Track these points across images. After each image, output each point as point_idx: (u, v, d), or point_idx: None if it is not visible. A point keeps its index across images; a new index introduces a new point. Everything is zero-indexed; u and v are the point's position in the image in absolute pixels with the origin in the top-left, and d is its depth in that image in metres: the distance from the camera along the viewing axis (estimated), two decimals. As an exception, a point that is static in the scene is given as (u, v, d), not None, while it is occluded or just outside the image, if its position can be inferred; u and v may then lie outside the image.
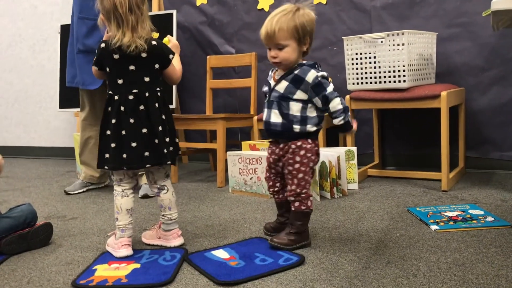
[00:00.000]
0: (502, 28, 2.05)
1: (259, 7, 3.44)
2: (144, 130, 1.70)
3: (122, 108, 1.68)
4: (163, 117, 1.74)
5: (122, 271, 1.58)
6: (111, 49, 1.67)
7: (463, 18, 2.84)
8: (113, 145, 1.69)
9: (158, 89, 1.76)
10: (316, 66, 1.68)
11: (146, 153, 1.71)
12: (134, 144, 1.69)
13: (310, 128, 1.67)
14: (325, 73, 1.66)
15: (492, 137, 2.86)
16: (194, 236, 1.92)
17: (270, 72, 1.80)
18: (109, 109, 1.71)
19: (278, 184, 1.80)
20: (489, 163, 2.90)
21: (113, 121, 1.69)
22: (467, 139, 2.89)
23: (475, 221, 1.89)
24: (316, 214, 2.13)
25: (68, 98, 3.93)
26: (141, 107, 1.70)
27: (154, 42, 1.72)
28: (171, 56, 1.77)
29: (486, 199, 2.24)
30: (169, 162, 1.75)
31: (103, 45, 1.70)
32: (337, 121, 1.67)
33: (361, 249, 1.67)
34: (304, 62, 1.69)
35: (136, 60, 1.69)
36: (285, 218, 1.85)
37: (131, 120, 1.68)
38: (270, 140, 1.83)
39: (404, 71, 2.48)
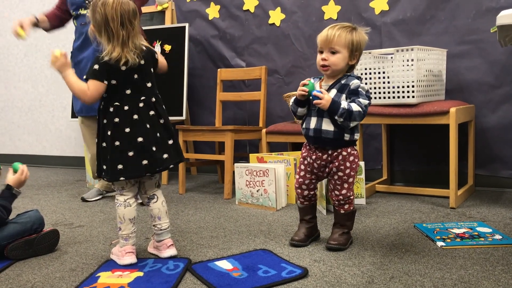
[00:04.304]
0: (510, 44, 2.04)
1: (270, 21, 3.47)
2: (158, 134, 1.74)
3: (136, 116, 1.71)
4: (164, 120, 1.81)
5: (125, 279, 1.59)
6: (117, 63, 1.68)
7: (474, 35, 2.83)
8: (130, 153, 1.69)
9: (157, 91, 1.81)
10: (360, 78, 1.81)
11: (165, 155, 1.75)
12: (154, 148, 1.72)
13: (356, 136, 1.81)
14: (367, 87, 1.78)
15: (502, 155, 2.84)
16: (199, 247, 1.92)
17: (312, 79, 1.84)
18: (116, 120, 1.70)
19: (312, 187, 1.90)
20: (499, 182, 2.86)
21: (127, 130, 1.69)
22: (476, 157, 2.86)
23: (482, 239, 1.87)
24: (321, 228, 2.12)
25: (80, 108, 3.97)
26: (152, 113, 1.74)
27: (144, 48, 1.76)
28: (156, 55, 1.82)
29: (494, 217, 2.22)
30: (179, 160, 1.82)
31: (106, 58, 1.68)
32: (339, 112, 1.70)
33: (365, 263, 1.66)
34: (349, 74, 1.82)
35: (139, 68, 1.73)
36: (312, 223, 1.93)
37: (148, 126, 1.72)
38: (308, 147, 1.87)
39: (413, 86, 2.48)
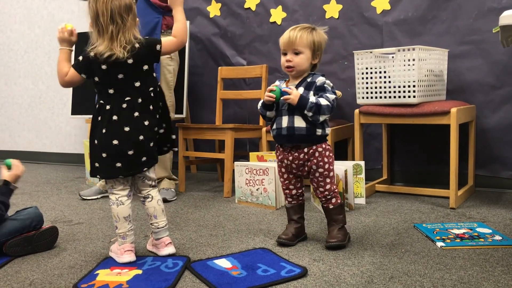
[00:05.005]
0: (512, 45, 2.04)
1: (271, 20, 3.46)
2: (141, 137, 1.70)
3: (115, 117, 1.68)
4: (158, 116, 1.77)
5: (123, 276, 1.58)
6: (99, 60, 1.67)
7: (475, 35, 2.83)
8: (104, 155, 1.68)
9: (151, 89, 1.74)
10: (324, 76, 1.85)
11: (144, 158, 1.71)
12: (131, 152, 1.68)
13: (328, 130, 1.84)
14: (332, 84, 1.83)
15: (502, 156, 2.83)
16: (198, 245, 1.92)
17: (277, 82, 1.91)
18: (99, 118, 1.70)
19: (299, 185, 1.92)
20: (499, 182, 2.86)
21: (104, 130, 1.68)
22: (477, 157, 2.86)
23: (482, 240, 1.86)
24: (321, 227, 2.12)
25: (80, 105, 3.97)
26: (136, 114, 1.70)
27: (137, 45, 1.69)
28: (158, 47, 1.74)
29: (494, 218, 2.21)
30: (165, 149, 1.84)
31: (92, 54, 1.68)
32: (308, 106, 1.74)
33: (365, 263, 1.66)
34: (314, 72, 1.87)
35: (125, 68, 1.69)
36: (300, 224, 1.93)
37: (126, 129, 1.68)
38: (281, 148, 1.88)
39: (414, 86, 2.47)
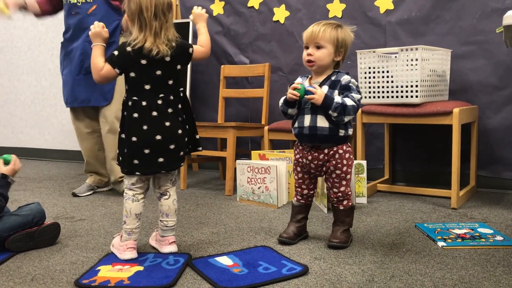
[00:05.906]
0: (515, 45, 2.04)
1: (274, 19, 3.46)
2: (180, 131, 1.74)
3: (155, 113, 1.69)
4: (184, 116, 1.78)
5: (125, 273, 1.59)
6: (139, 54, 1.67)
7: (479, 36, 2.82)
8: (146, 151, 1.68)
9: (181, 89, 1.78)
10: (349, 74, 1.82)
11: (182, 153, 1.76)
12: (172, 146, 1.72)
13: (350, 131, 1.81)
14: (357, 82, 1.81)
15: (504, 157, 2.83)
16: (199, 242, 1.92)
17: (299, 79, 1.88)
18: (136, 115, 1.69)
19: (312, 187, 1.91)
20: (501, 183, 2.86)
21: (145, 127, 1.68)
22: (479, 158, 2.86)
23: (483, 240, 1.86)
24: (322, 226, 2.13)
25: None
26: (170, 110, 1.72)
27: (174, 44, 1.72)
28: (190, 50, 1.78)
29: (496, 219, 2.21)
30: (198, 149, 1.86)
31: (129, 48, 1.68)
32: (333, 106, 1.71)
33: (366, 262, 1.66)
34: (338, 70, 1.84)
35: (162, 65, 1.70)
36: (302, 223, 1.93)
37: (167, 124, 1.70)
38: (301, 146, 1.87)
39: (416, 86, 2.47)
